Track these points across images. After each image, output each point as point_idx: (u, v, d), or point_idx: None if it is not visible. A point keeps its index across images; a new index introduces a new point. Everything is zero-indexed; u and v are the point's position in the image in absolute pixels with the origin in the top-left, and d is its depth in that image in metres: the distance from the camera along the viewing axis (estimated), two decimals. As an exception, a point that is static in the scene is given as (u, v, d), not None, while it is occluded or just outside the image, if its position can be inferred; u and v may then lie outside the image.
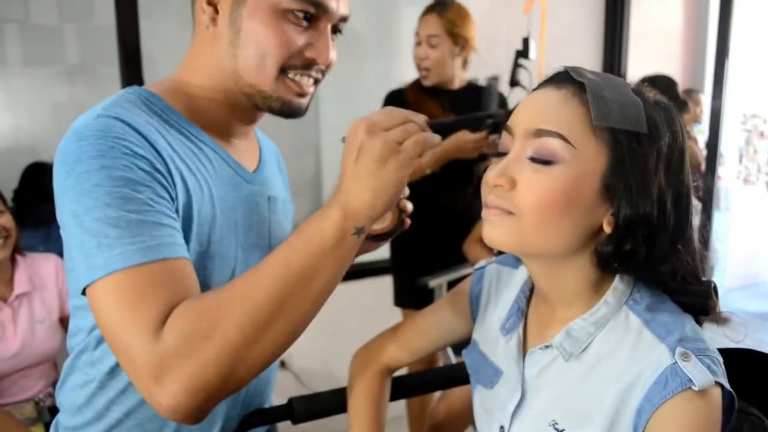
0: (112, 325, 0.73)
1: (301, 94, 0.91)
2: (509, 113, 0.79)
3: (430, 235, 2.20)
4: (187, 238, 0.83)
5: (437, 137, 0.81)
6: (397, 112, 0.80)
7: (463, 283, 1.02)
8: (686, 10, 4.14)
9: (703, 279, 0.78)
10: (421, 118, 0.81)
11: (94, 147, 0.77)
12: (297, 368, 2.71)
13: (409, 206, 0.99)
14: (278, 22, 0.86)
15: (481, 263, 1.01)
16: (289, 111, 0.91)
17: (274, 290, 0.74)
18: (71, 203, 0.76)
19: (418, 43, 2.18)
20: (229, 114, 0.93)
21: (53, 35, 3.01)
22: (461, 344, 1.01)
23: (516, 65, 2.81)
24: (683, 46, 4.18)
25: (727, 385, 0.70)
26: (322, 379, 2.55)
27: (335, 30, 0.93)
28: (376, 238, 1.03)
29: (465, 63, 2.24)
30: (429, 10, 2.18)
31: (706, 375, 0.68)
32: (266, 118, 0.98)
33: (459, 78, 2.23)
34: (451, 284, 2.03)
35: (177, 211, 0.82)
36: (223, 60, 0.89)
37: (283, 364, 2.70)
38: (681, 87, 3.29)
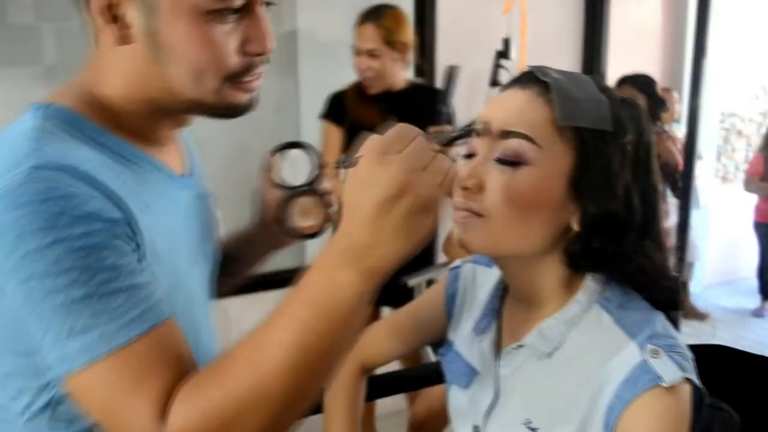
0: (107, 414, 0.65)
1: (251, 90, 0.79)
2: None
3: None
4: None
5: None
6: (421, 142, 0.63)
7: (439, 283, 1.02)
8: (665, 10, 4.17)
9: (672, 275, 0.79)
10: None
11: (38, 217, 0.62)
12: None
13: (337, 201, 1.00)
14: (204, 28, 0.71)
15: (457, 263, 1.01)
16: (240, 112, 0.80)
17: (293, 379, 0.64)
18: (19, 288, 0.63)
19: (358, 54, 2.16)
20: (159, 122, 0.81)
21: (31, 35, 2.97)
22: (440, 342, 1.01)
23: (496, 66, 2.83)
24: (662, 45, 4.21)
25: (697, 381, 0.71)
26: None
27: (268, 2, 0.79)
28: (304, 237, 1.03)
29: (406, 63, 2.24)
30: (364, 19, 2.16)
31: (675, 371, 0.69)
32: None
33: (400, 80, 2.22)
34: (431, 283, 2.04)
35: (144, 256, 0.71)
36: (149, 78, 0.75)
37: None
38: (660, 86, 3.32)
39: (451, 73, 2.23)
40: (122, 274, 0.65)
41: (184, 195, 0.86)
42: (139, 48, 0.73)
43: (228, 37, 0.73)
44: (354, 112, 2.17)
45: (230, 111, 0.79)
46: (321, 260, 0.65)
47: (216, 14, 0.71)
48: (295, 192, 1.03)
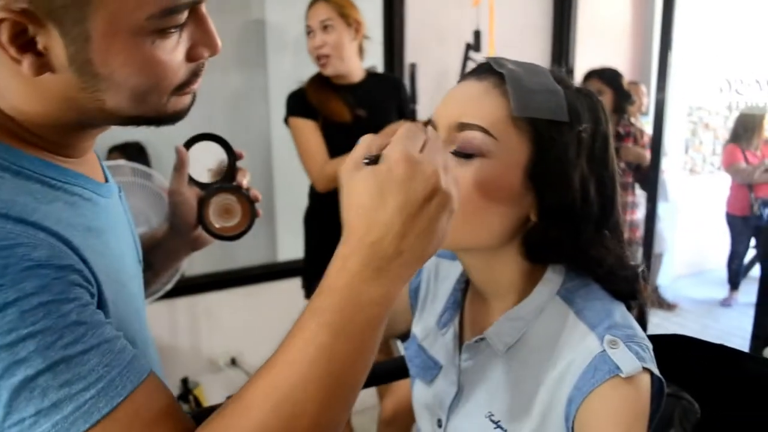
0: None
1: (192, 92, 0.72)
2: None
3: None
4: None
5: None
6: (435, 141, 0.62)
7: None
8: (633, 4, 4.22)
9: (630, 265, 0.79)
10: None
11: None
12: (248, 366, 2.68)
13: (259, 195, 0.98)
14: (148, 50, 0.62)
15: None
16: (181, 117, 0.73)
17: (325, 413, 0.58)
18: None
19: (311, 34, 2.12)
20: (83, 135, 0.73)
21: None
22: (407, 335, 1.00)
23: (466, 58, 2.84)
24: (630, 39, 4.26)
25: (656, 371, 0.71)
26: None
27: None
28: (226, 238, 0.98)
29: (361, 51, 2.20)
30: (313, 1, 2.15)
31: (634, 362, 0.68)
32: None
33: (358, 69, 2.19)
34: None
35: (104, 299, 0.63)
36: (78, 102, 0.65)
37: (234, 362, 2.67)
38: (628, 79, 3.35)
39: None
40: (90, 329, 0.56)
41: (112, 202, 0.79)
42: (66, 77, 0.62)
43: (174, 52, 0.65)
44: (322, 108, 2.12)
45: (173, 119, 0.72)
46: (337, 278, 0.58)
47: (160, 32, 0.62)
48: (214, 189, 0.97)
